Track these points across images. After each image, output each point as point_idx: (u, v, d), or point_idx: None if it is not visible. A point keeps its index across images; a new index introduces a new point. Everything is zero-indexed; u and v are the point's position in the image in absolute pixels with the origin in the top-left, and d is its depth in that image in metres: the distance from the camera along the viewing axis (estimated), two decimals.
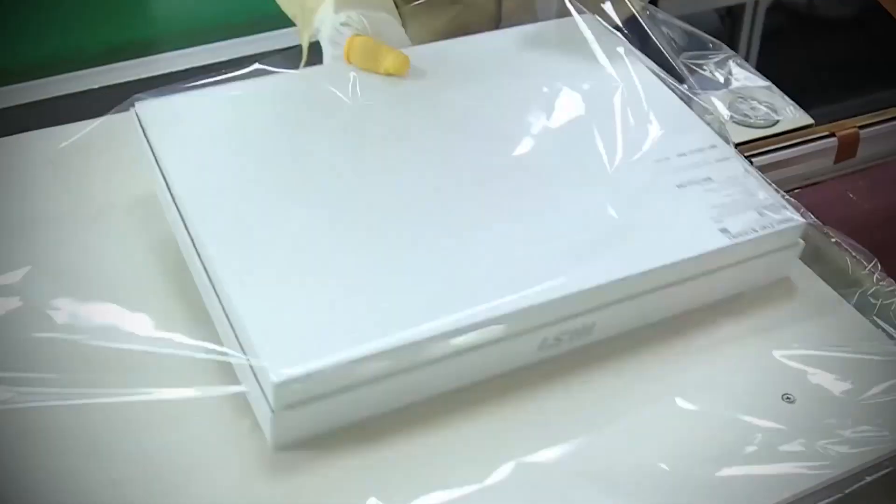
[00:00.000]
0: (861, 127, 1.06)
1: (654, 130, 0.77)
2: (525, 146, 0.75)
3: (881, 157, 1.09)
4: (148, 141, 0.72)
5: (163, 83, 0.76)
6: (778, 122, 1.02)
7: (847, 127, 1.05)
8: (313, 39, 0.88)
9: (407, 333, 0.60)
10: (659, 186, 0.72)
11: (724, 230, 0.70)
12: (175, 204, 0.68)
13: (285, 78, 0.79)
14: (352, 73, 0.78)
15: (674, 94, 0.81)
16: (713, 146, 0.77)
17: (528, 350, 0.66)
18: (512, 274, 0.64)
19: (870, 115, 1.07)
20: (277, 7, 0.95)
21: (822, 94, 1.06)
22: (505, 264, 0.65)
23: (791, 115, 1.03)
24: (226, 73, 0.77)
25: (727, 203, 0.72)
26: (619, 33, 0.86)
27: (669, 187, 0.73)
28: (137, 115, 0.73)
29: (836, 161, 1.05)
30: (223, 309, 0.62)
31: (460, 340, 0.61)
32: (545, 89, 0.80)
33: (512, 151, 0.74)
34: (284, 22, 0.97)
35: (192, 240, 0.66)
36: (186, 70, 1.76)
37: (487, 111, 0.78)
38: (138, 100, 0.74)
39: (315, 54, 0.88)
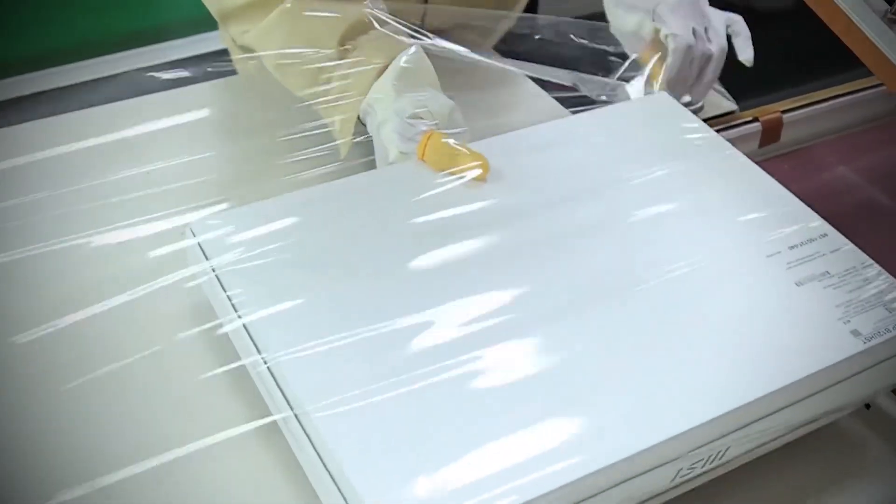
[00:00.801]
0: (784, 112, 1.05)
1: (760, 221, 0.71)
2: (628, 248, 0.68)
3: (805, 140, 1.08)
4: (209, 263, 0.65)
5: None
6: (702, 107, 0.99)
7: (770, 112, 1.05)
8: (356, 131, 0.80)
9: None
10: (777, 287, 0.66)
11: (854, 332, 0.63)
12: (249, 336, 0.60)
13: (363, 178, 0.73)
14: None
15: (769, 176, 0.75)
16: (824, 235, 0.70)
17: (663, 482, 0.58)
18: (645, 407, 0.57)
19: (792, 99, 1.07)
20: None
21: (756, 85, 1.05)
22: (635, 396, 0.58)
23: (718, 101, 1.02)
24: None
25: (851, 300, 0.65)
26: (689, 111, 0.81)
27: (788, 286, 0.66)
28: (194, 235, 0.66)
29: (761, 145, 1.04)
30: (310, 440, 0.56)
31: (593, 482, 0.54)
32: (632, 180, 0.73)
33: (616, 258, 0.67)
34: None
35: (270, 372, 0.58)
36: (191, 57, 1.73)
37: (583, 213, 0.70)
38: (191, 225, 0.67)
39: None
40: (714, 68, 0.91)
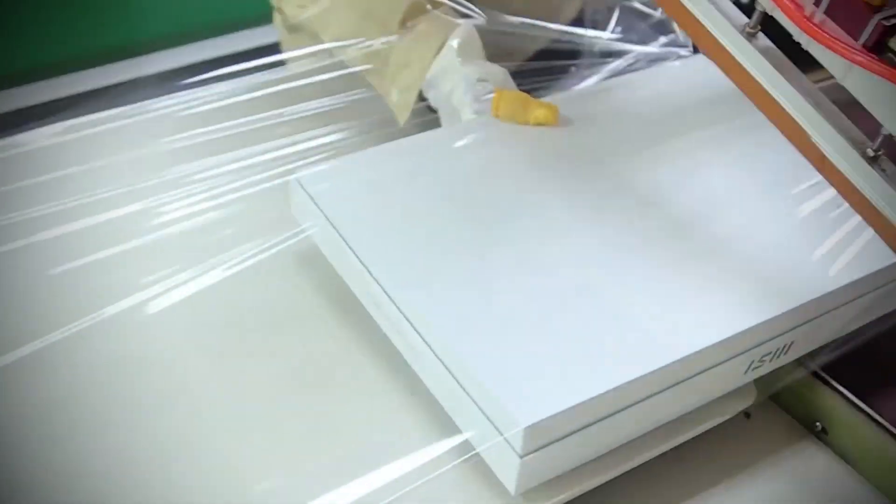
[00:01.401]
0: None
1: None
2: (696, 184, 0.75)
3: None
4: (324, 214, 0.70)
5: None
6: None
7: None
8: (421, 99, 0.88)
9: (633, 369, 0.60)
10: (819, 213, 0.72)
11: None
12: (376, 281, 0.66)
13: (441, 133, 0.81)
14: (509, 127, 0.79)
15: None
16: None
17: (737, 373, 0.66)
18: (718, 306, 0.65)
19: None
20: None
21: None
22: (711, 299, 0.65)
23: None
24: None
25: None
26: None
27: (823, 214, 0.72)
28: (305, 189, 0.72)
29: None
30: (449, 371, 0.61)
31: (680, 370, 0.62)
32: (696, 131, 0.81)
33: (685, 194, 0.74)
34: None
35: (399, 310, 0.65)
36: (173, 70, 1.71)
37: (654, 157, 0.78)
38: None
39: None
40: None
